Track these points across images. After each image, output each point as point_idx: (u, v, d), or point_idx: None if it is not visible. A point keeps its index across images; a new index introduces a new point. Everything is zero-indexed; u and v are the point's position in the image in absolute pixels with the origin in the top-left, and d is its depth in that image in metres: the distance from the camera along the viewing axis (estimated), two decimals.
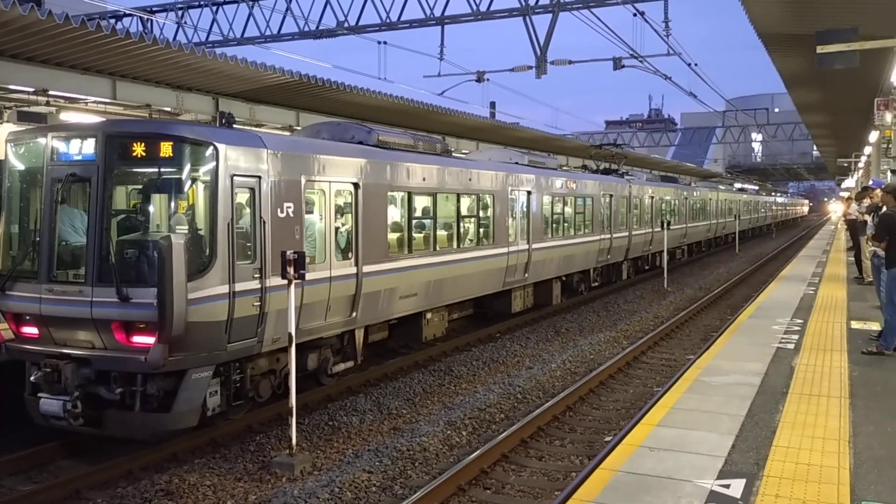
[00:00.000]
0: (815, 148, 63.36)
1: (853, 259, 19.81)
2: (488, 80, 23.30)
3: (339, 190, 10.52)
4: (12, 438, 9.00)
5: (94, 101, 13.46)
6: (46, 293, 8.35)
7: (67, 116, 13.02)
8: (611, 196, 22.52)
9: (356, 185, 10.74)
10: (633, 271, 25.88)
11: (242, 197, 8.67)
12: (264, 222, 8.82)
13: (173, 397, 8.13)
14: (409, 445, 8.86)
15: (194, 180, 8.39)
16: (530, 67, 20.43)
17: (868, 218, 11.80)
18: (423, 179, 12.62)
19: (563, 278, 19.44)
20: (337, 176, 10.40)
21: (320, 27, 22.28)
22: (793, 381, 8.23)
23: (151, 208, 8.70)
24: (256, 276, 8.70)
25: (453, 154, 16.24)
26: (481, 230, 14.85)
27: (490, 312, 16.42)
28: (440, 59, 21.28)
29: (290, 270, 8.01)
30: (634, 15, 19.46)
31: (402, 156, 12.21)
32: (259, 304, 8.73)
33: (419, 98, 19.07)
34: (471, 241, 14.45)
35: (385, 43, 22.68)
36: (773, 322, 12.01)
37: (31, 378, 8.38)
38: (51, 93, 12.20)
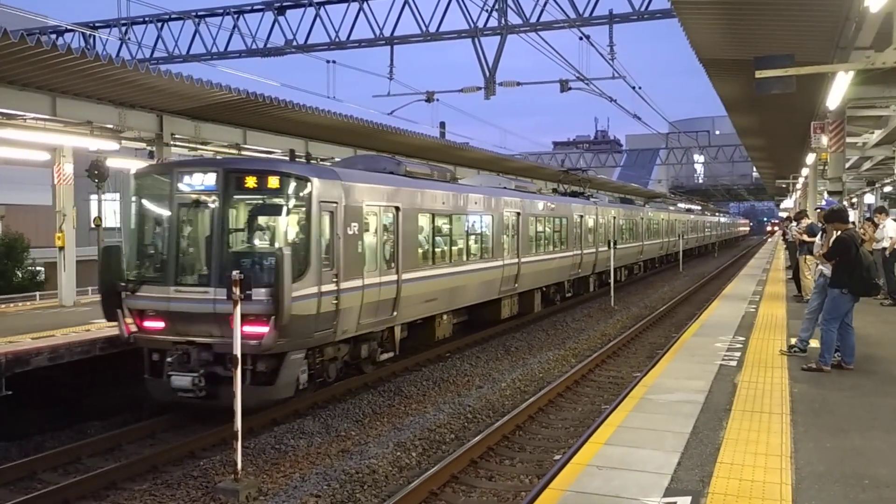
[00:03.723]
0: (754, 170, 65.25)
1: (791, 277, 20.36)
2: (437, 100, 23.52)
3: (386, 212, 12.65)
4: None
5: (33, 118, 13.11)
6: (175, 293, 10.17)
7: (5, 133, 12.65)
8: (581, 216, 24.88)
9: (398, 209, 12.95)
10: (598, 284, 27.83)
11: (326, 218, 10.72)
12: (339, 238, 10.93)
13: (276, 374, 10.04)
14: (357, 468, 8.75)
15: (295, 206, 10.46)
16: (479, 88, 20.67)
17: (817, 238, 12.01)
18: (443, 203, 14.99)
19: (543, 289, 21.63)
20: (385, 201, 12.61)
21: (268, 45, 22.13)
22: (735, 398, 8.37)
23: (262, 227, 10.78)
24: (334, 280, 10.77)
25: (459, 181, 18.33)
26: (483, 246, 17.09)
27: (480, 319, 18.15)
28: (390, 78, 21.32)
29: (236, 291, 7.89)
30: (580, 38, 19.85)
31: (425, 183, 14.61)
32: (336, 302, 10.77)
33: (368, 117, 19.07)
34: (475, 255, 16.66)
35: (334, 62, 22.68)
36: (716, 340, 12.24)
37: (168, 360, 10.01)
38: None
